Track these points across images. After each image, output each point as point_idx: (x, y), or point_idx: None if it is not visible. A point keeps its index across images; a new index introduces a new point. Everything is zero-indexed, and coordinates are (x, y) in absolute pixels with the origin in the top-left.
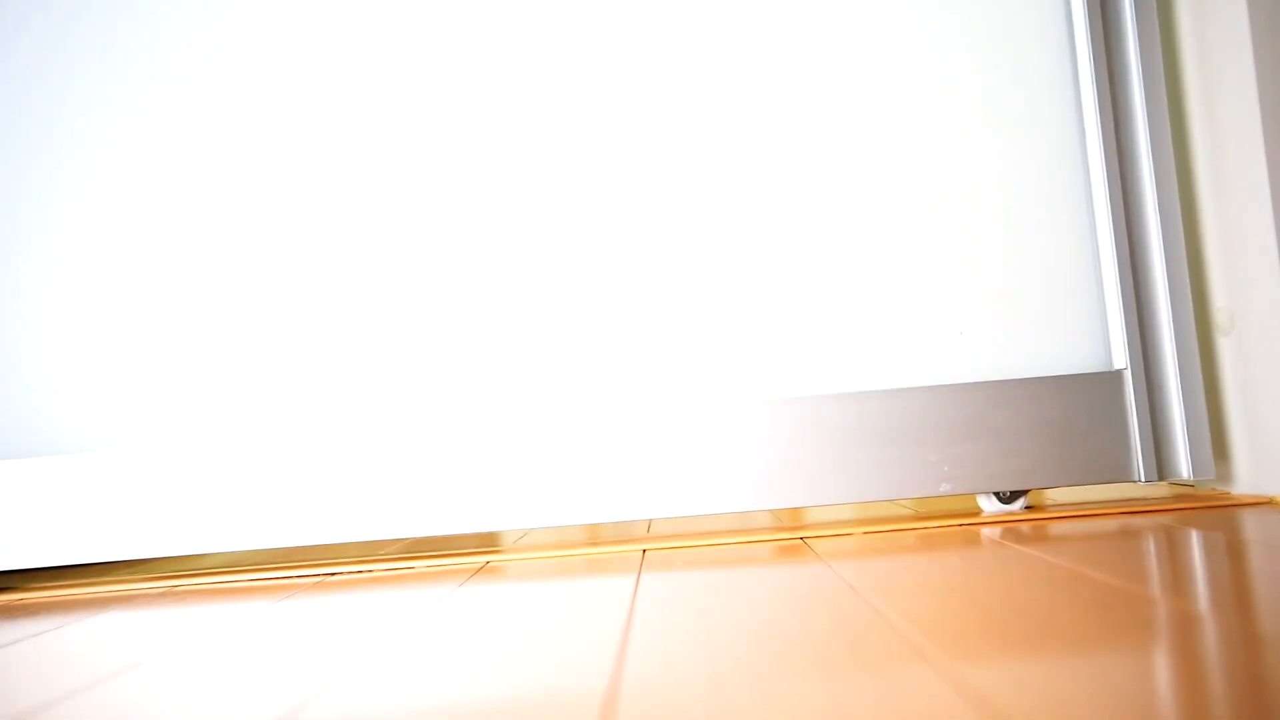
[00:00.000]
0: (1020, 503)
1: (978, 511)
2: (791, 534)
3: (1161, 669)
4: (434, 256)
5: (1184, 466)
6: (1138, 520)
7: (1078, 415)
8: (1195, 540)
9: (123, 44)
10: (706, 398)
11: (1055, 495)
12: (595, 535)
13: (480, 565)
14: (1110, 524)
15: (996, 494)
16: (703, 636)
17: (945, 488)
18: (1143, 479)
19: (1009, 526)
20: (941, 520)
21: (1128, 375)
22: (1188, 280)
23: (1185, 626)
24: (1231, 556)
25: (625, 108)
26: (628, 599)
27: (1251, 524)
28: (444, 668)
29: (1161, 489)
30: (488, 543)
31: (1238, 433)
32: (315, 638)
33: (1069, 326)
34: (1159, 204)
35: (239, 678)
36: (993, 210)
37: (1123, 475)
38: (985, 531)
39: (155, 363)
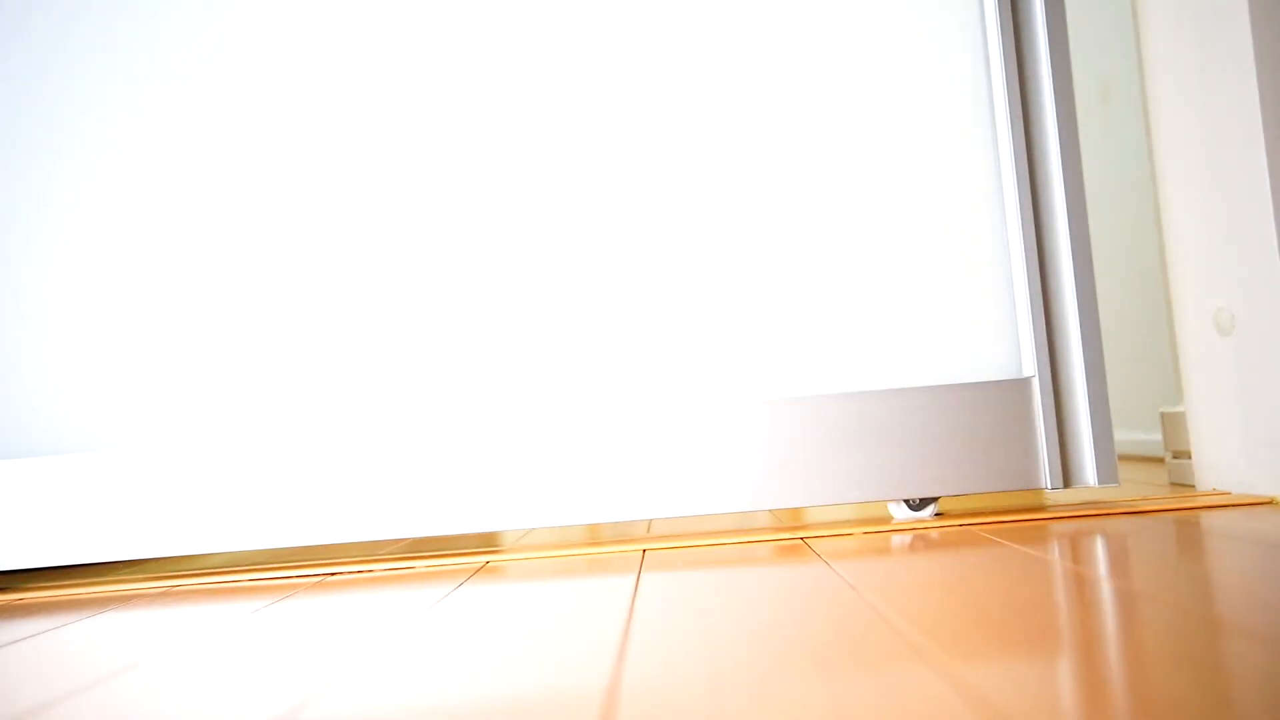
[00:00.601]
0: (930, 510)
1: (978, 513)
2: (791, 534)
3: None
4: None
5: (1090, 473)
6: (1114, 522)
7: (987, 422)
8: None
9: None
10: (622, 404)
11: (1057, 496)
12: (595, 535)
13: (480, 565)
14: (1098, 524)
15: (906, 501)
16: (703, 636)
17: (854, 495)
18: (1049, 486)
19: (1008, 526)
20: (942, 520)
21: (1036, 383)
22: (1095, 289)
23: (1169, 617)
24: (1229, 553)
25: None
26: (628, 599)
27: (1241, 523)
28: (444, 668)
29: (1163, 489)
30: (488, 543)
31: (1238, 433)
32: (315, 638)
33: (981, 334)
34: (1068, 212)
35: (239, 678)
36: (907, 217)
37: (1030, 482)
38: (983, 532)
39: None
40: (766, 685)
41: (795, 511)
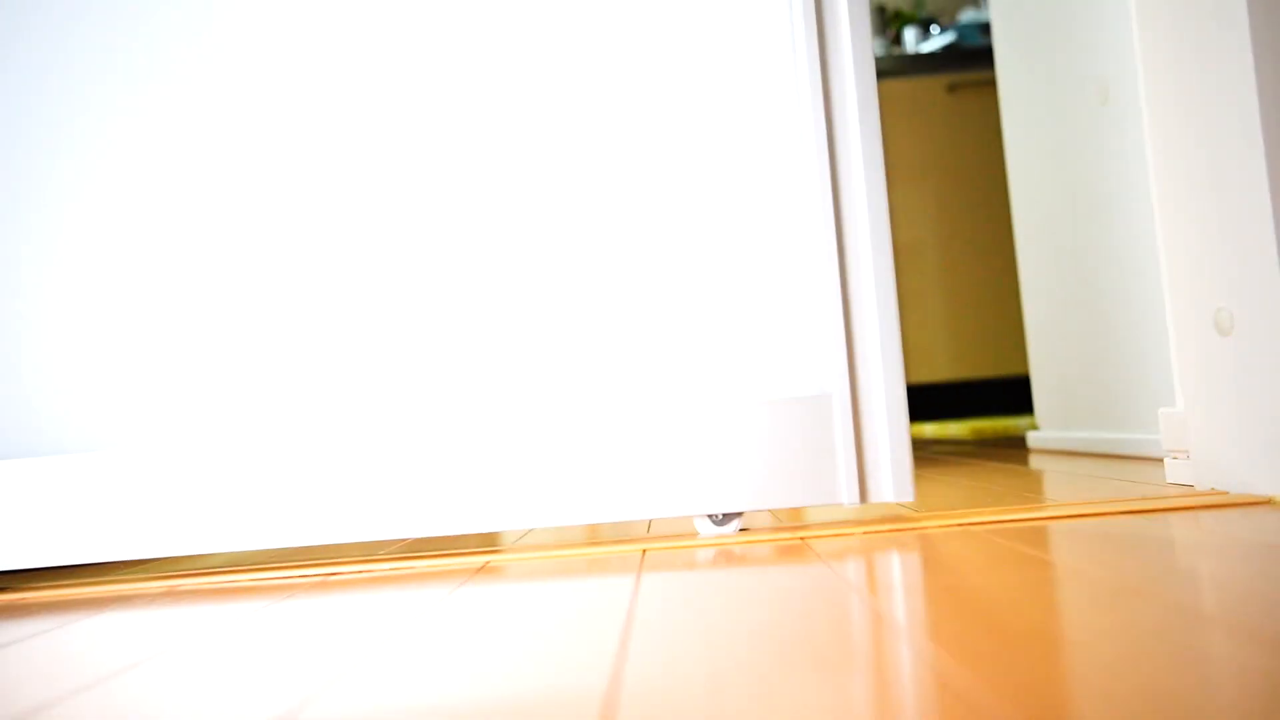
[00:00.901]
0: (734, 525)
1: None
2: (792, 534)
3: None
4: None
5: (888, 489)
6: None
7: (788, 439)
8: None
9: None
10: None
11: (1057, 493)
12: (595, 535)
13: (480, 565)
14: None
15: (710, 516)
16: (703, 636)
17: (658, 510)
18: (845, 501)
19: (1007, 525)
20: (942, 521)
21: (835, 400)
22: (896, 308)
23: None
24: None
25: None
26: (628, 599)
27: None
28: (444, 668)
29: (1162, 489)
30: (488, 542)
31: (1236, 433)
32: (316, 638)
33: (783, 351)
34: (871, 233)
35: (239, 678)
36: (711, 234)
37: (830, 497)
38: (980, 530)
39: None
40: (767, 685)
41: (795, 512)
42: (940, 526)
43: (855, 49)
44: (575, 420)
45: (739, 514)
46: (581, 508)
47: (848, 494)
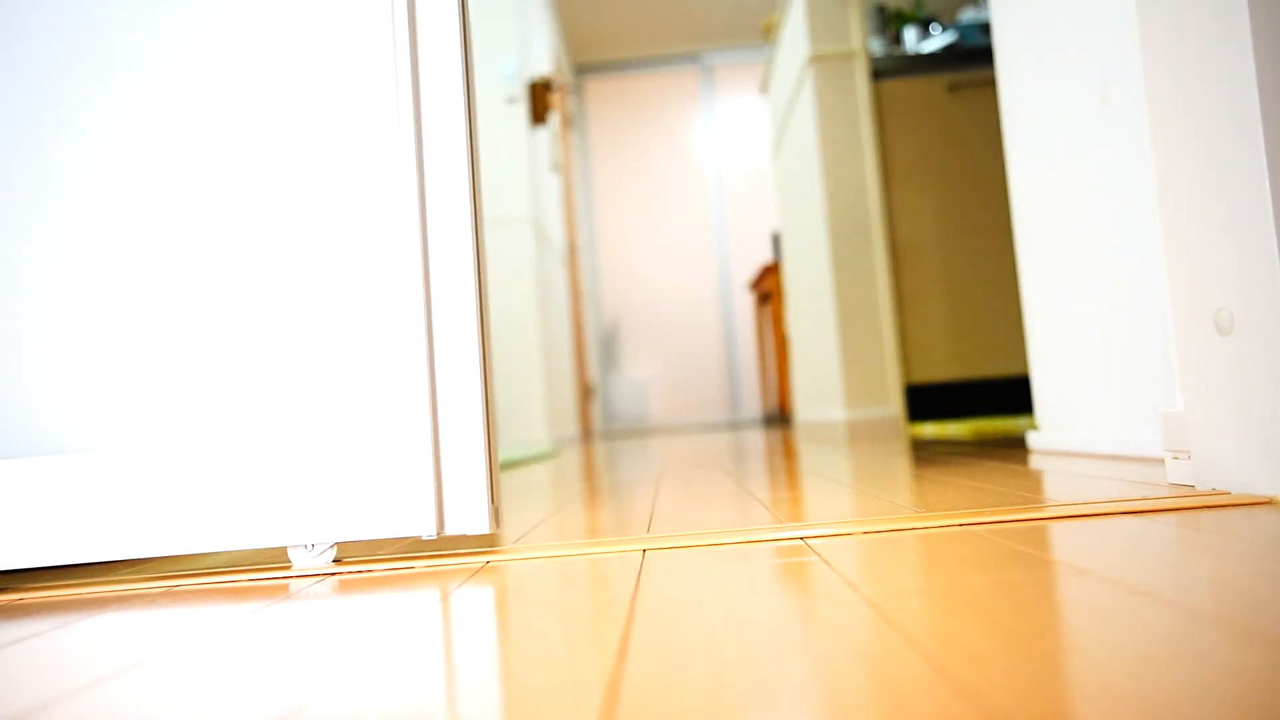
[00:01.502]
0: (328, 555)
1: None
2: (792, 534)
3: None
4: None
5: (465, 521)
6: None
7: (375, 471)
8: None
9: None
10: None
11: (1057, 494)
12: (595, 534)
13: (480, 565)
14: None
15: (304, 546)
16: (703, 636)
17: (250, 540)
18: (424, 534)
19: (1007, 526)
20: (942, 521)
21: (416, 435)
22: (481, 343)
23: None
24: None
25: None
26: (628, 599)
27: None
28: (444, 668)
29: (1162, 489)
30: (487, 542)
31: (1237, 433)
32: (316, 638)
33: (372, 384)
34: (475, 252)
35: (238, 677)
36: (305, 266)
37: (408, 529)
38: (981, 529)
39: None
40: (767, 685)
41: (795, 511)
42: (940, 527)
43: (449, 127)
44: (163, 450)
45: (332, 544)
46: (156, 538)
47: (426, 526)
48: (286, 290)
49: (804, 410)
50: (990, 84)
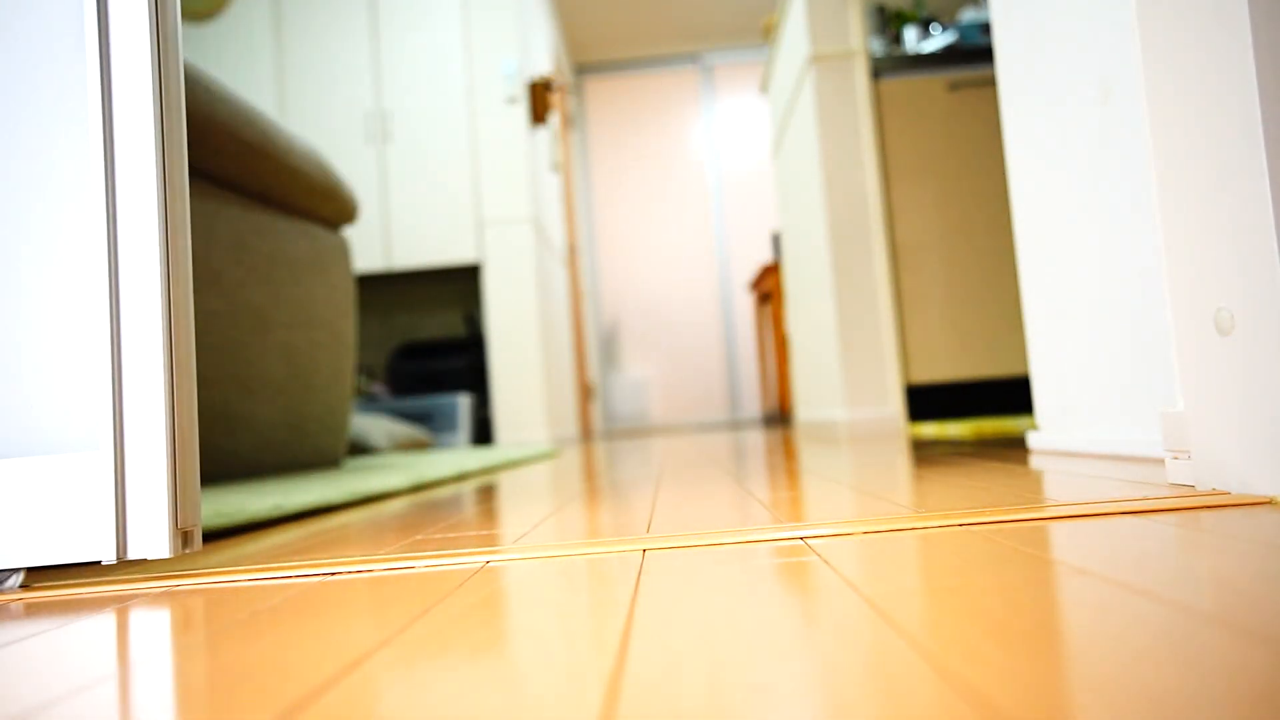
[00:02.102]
0: (14, 580)
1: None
2: (791, 534)
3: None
4: None
5: (146, 546)
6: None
7: (59, 496)
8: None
9: None
10: None
11: (1057, 493)
12: (595, 534)
13: (480, 566)
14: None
15: None
16: (703, 636)
17: None
18: (105, 559)
19: (1006, 525)
20: (942, 521)
21: (105, 456)
22: (181, 362)
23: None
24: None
25: None
26: (628, 598)
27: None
28: (443, 668)
29: (1163, 489)
30: (487, 542)
31: (1236, 433)
32: (316, 638)
33: (60, 404)
34: (169, 267)
35: (238, 677)
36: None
37: (97, 553)
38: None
39: None
40: (767, 685)
41: (795, 511)
42: (940, 526)
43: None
44: None
45: (18, 570)
46: None
47: (106, 551)
48: None
49: (804, 410)
50: (991, 83)
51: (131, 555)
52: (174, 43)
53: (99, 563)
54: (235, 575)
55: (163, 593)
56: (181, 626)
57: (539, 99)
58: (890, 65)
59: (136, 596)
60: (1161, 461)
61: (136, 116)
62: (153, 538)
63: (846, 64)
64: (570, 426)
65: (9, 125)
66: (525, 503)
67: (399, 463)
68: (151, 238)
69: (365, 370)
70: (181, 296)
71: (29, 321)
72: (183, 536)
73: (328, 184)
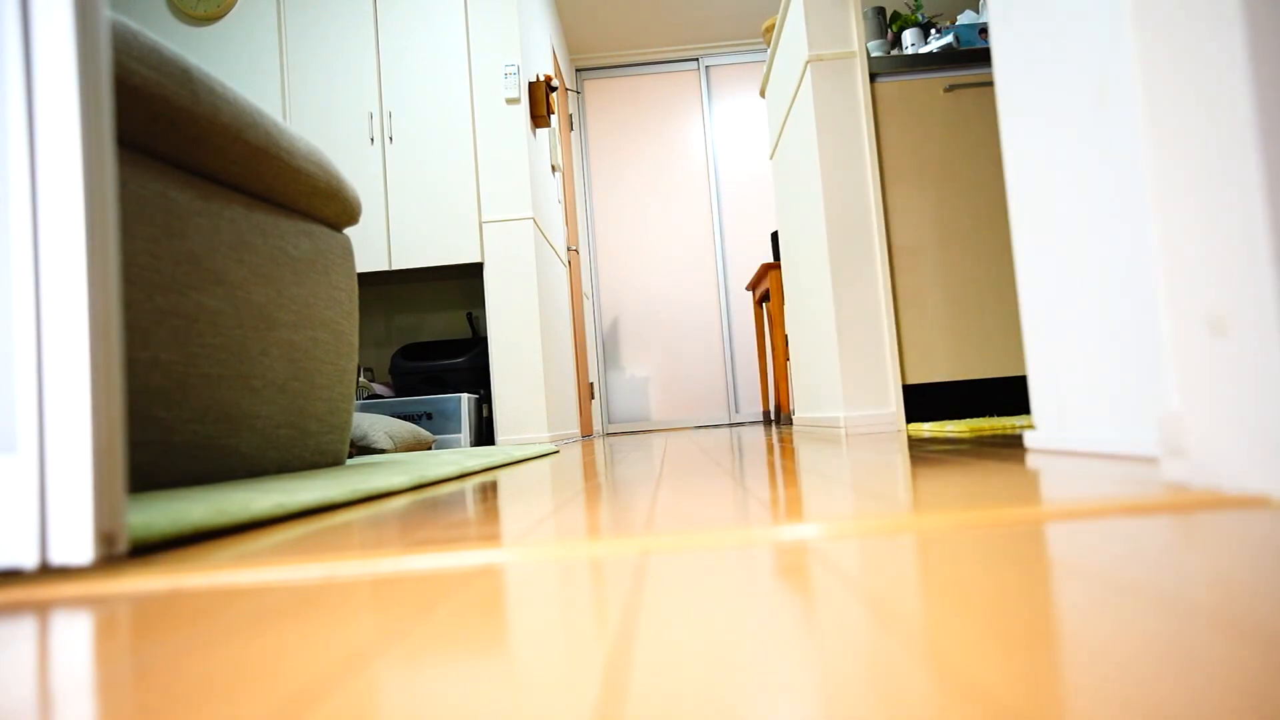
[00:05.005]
0: None
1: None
2: (791, 533)
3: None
4: None
5: (66, 552)
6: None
7: None
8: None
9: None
10: None
11: (1054, 493)
12: (596, 532)
13: (481, 564)
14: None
15: None
16: (703, 634)
17: None
18: (28, 564)
19: (1004, 525)
20: (940, 520)
21: (21, 460)
22: (110, 364)
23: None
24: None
25: None
26: (628, 597)
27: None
28: (443, 669)
29: (1158, 488)
30: (488, 540)
31: (1232, 432)
32: (315, 638)
33: None
34: (94, 261)
35: (237, 677)
36: None
37: (15, 558)
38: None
39: None
40: (768, 686)
41: (794, 510)
42: (939, 526)
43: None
44: None
45: None
46: None
47: (29, 557)
48: None
49: (803, 410)
50: (988, 84)
51: (54, 561)
52: (97, 10)
53: (22, 571)
54: (240, 572)
55: (170, 590)
56: (183, 625)
57: (539, 99)
58: (888, 67)
59: (115, 599)
60: (1157, 461)
61: (59, 104)
62: (76, 543)
63: (845, 65)
64: (571, 426)
65: None
66: (526, 501)
67: (401, 462)
68: (77, 236)
69: (367, 370)
70: (102, 294)
71: None
72: (105, 540)
73: (331, 185)
